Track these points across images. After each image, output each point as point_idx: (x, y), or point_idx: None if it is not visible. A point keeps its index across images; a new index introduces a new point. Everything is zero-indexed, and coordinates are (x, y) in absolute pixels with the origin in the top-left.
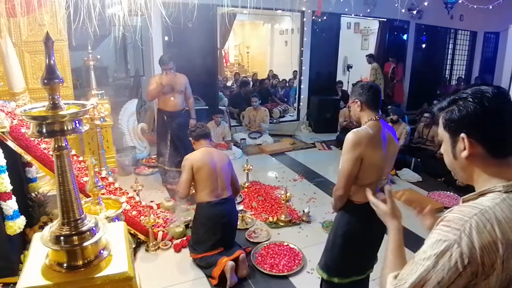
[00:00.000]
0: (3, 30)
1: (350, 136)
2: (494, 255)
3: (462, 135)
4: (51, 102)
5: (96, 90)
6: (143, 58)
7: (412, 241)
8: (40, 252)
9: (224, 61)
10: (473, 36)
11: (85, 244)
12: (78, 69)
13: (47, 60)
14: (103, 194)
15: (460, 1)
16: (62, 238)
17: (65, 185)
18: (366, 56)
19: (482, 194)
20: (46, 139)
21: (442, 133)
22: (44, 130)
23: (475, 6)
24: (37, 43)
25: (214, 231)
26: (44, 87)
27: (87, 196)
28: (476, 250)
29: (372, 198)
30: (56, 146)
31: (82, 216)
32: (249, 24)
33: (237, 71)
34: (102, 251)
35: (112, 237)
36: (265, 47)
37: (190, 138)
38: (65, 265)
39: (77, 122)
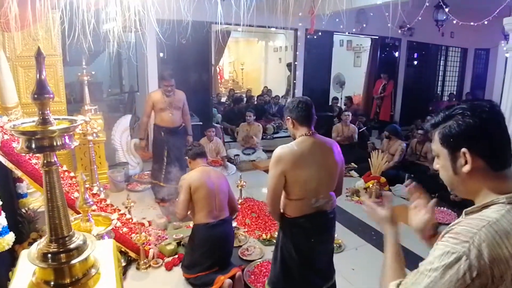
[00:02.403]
0: None
1: (274, 153)
2: (504, 266)
3: (463, 150)
4: (41, 118)
5: (90, 105)
6: (137, 74)
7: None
8: (27, 269)
9: (218, 77)
10: (464, 52)
11: (72, 262)
12: (72, 84)
13: (38, 75)
14: (93, 210)
15: (450, 19)
16: (49, 255)
17: (53, 201)
18: (287, 65)
19: (486, 206)
20: (36, 155)
21: (438, 149)
22: (33, 146)
23: (465, 24)
24: (31, 58)
25: (211, 253)
26: (34, 102)
27: (77, 212)
28: (486, 262)
29: (368, 202)
30: (45, 161)
31: (71, 233)
32: (244, 41)
33: (231, 88)
34: (90, 269)
35: (101, 255)
36: (259, 63)
37: (186, 157)
38: (52, 283)
39: (67, 137)
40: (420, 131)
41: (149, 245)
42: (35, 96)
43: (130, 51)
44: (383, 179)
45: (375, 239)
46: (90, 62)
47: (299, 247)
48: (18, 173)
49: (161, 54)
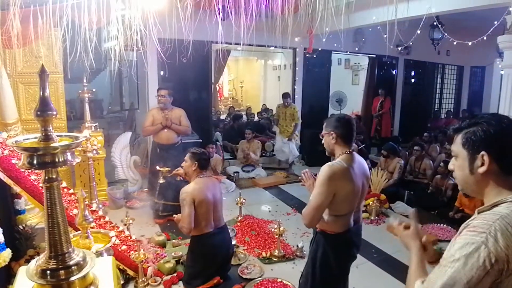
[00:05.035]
0: None
1: (325, 170)
2: None
3: (483, 152)
4: (44, 134)
5: (90, 122)
6: (138, 91)
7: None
8: (24, 286)
9: (218, 95)
10: (460, 70)
11: (72, 278)
12: (73, 101)
13: (41, 92)
14: (92, 227)
15: (445, 37)
16: (48, 272)
17: (53, 217)
18: (283, 96)
19: (496, 205)
20: (36, 171)
21: (459, 150)
22: (35, 162)
23: (460, 42)
24: (32, 75)
25: (213, 261)
26: (37, 118)
27: (76, 229)
28: (502, 249)
29: (393, 223)
30: (46, 178)
31: (70, 249)
32: (243, 60)
33: (231, 105)
34: (89, 287)
35: (100, 272)
36: (258, 82)
37: (196, 162)
38: None
39: (69, 154)
40: (416, 148)
41: (148, 263)
42: (38, 113)
43: (131, 69)
44: (383, 196)
45: (375, 257)
46: (91, 80)
47: (342, 261)
48: (17, 189)
49: (162, 73)
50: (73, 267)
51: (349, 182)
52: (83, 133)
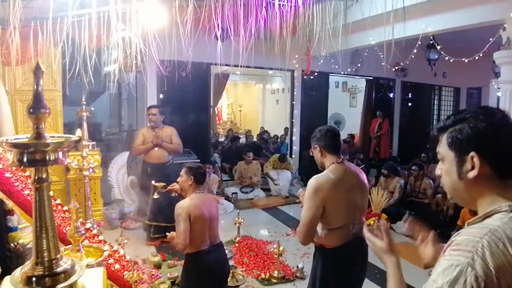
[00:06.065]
0: None
1: (311, 183)
2: (510, 276)
3: (472, 154)
4: (35, 132)
5: (88, 141)
6: (137, 112)
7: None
8: None
9: (217, 118)
10: (456, 92)
11: (58, 286)
12: (71, 124)
13: (35, 87)
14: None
15: (442, 56)
16: (34, 279)
17: (41, 220)
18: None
19: (488, 216)
20: (28, 179)
21: (445, 152)
22: (25, 159)
23: (456, 63)
24: (30, 92)
25: (209, 279)
26: (29, 116)
27: (68, 244)
28: (491, 272)
29: (367, 235)
30: (36, 177)
31: (58, 256)
32: (242, 84)
33: (230, 128)
34: None
35: (90, 283)
36: (257, 105)
37: (192, 177)
38: None
39: (60, 153)
40: (414, 167)
41: (142, 283)
42: (31, 110)
43: (130, 88)
44: (384, 216)
45: (378, 277)
46: (90, 103)
47: (341, 277)
48: (9, 203)
49: (162, 96)
50: (60, 275)
51: (338, 193)
52: (76, 133)
